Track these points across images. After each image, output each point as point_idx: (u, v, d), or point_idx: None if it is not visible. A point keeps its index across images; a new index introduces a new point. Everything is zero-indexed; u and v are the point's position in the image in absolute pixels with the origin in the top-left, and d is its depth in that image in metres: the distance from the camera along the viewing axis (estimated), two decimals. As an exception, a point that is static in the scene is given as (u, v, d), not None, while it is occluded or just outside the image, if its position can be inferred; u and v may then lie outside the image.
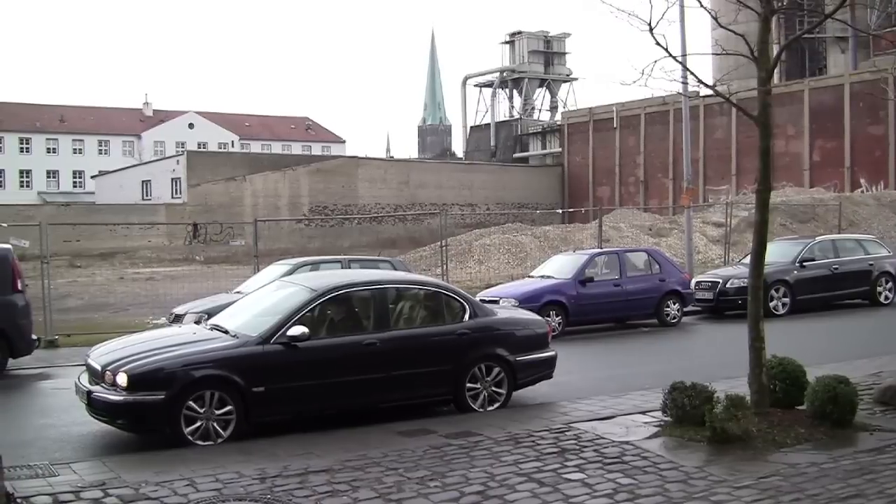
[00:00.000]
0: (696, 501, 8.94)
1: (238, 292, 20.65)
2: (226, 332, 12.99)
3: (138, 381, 11.57)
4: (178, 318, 20.15)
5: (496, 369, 14.01)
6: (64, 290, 35.29)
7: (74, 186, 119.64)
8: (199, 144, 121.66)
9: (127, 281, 44.49)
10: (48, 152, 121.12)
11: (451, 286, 16.02)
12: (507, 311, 16.50)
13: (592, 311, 24.56)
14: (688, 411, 11.54)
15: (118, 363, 11.89)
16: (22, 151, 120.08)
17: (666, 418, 12.03)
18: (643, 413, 12.86)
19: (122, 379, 11.57)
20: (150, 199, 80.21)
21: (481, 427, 12.24)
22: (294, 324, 12.47)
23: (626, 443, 11.19)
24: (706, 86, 14.42)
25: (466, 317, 14.02)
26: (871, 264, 28.70)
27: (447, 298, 14.33)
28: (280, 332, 12.40)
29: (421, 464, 10.43)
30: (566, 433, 11.79)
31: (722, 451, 10.61)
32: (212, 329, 13.46)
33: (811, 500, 8.85)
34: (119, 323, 25.79)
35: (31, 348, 19.21)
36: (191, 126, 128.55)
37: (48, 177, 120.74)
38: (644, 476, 9.81)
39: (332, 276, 15.26)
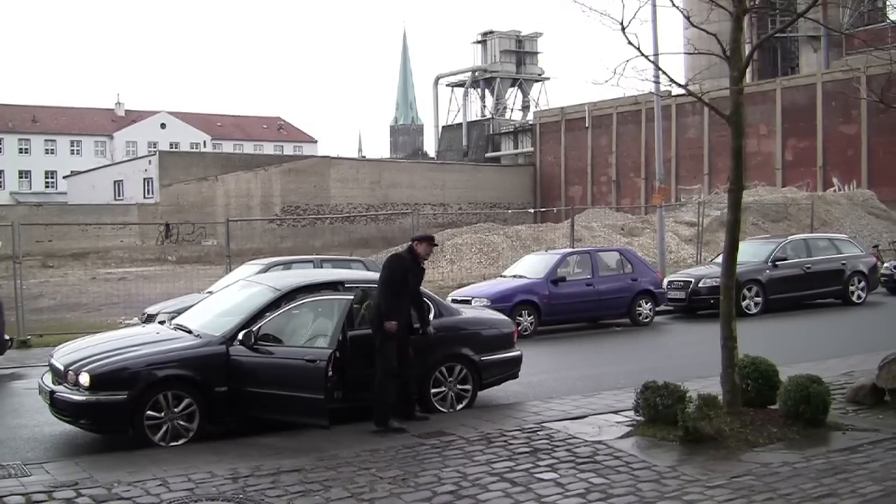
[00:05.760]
0: (668, 501, 8.94)
1: (209, 292, 20.53)
2: (189, 331, 12.91)
3: (100, 380, 11.48)
4: (150, 318, 20.01)
5: (461, 368, 13.93)
6: (36, 291, 35.19)
7: (47, 187, 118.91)
8: (171, 144, 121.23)
9: (99, 281, 44.17)
10: (20, 152, 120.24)
11: None
12: (472, 311, 16.52)
13: (565, 311, 24.56)
14: (660, 411, 11.53)
15: (80, 363, 11.81)
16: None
17: (638, 418, 12.02)
18: (616, 413, 12.87)
19: (84, 379, 11.50)
20: (122, 200, 79.95)
21: (454, 427, 12.22)
22: (257, 323, 12.33)
23: (599, 442, 11.18)
24: (678, 85, 14.42)
25: (431, 316, 13.87)
26: (843, 263, 28.79)
27: None
28: (243, 331, 12.24)
29: (393, 463, 10.42)
30: (538, 433, 11.78)
31: (694, 450, 10.61)
32: (175, 329, 13.39)
33: (784, 499, 8.85)
34: (91, 323, 25.60)
35: (3, 348, 19.08)
36: (163, 126, 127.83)
37: (20, 177, 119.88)
38: (616, 476, 9.80)
39: (295, 276, 15.16)
